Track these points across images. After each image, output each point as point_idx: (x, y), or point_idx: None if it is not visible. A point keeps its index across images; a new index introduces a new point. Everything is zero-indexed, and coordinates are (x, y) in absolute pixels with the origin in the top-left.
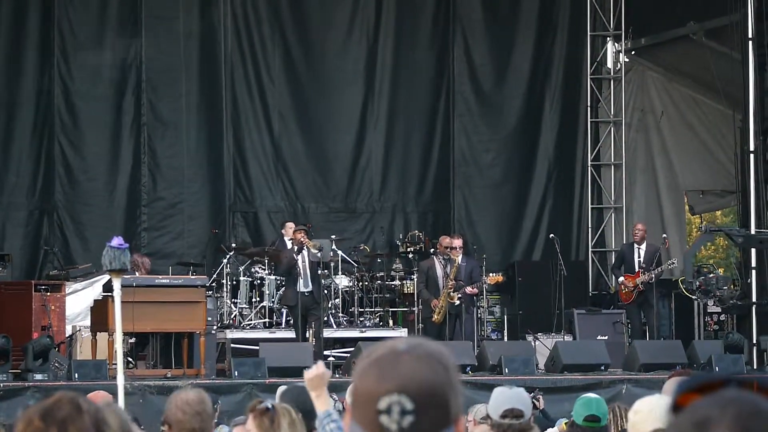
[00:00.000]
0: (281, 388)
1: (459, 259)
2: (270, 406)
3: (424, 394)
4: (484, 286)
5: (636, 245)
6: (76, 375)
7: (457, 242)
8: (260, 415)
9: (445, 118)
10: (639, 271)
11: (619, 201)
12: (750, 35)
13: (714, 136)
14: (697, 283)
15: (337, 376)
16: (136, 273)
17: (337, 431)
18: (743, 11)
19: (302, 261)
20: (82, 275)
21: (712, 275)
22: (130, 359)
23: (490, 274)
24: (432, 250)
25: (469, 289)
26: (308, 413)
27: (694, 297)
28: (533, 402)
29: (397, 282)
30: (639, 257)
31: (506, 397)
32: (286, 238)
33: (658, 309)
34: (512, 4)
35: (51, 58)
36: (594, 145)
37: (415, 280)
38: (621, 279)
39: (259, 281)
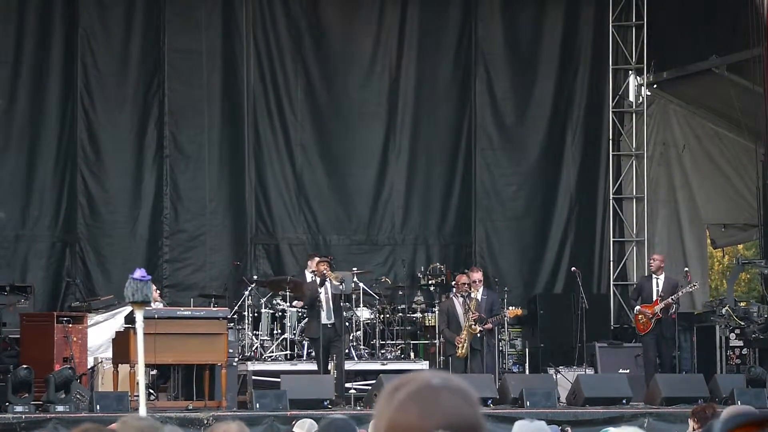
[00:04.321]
0: (300, 422)
1: (480, 291)
2: None
3: (466, 430)
4: (505, 319)
5: (654, 276)
6: (98, 406)
7: (476, 275)
8: None
9: (467, 151)
10: (657, 300)
11: (640, 234)
12: None
13: (736, 170)
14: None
15: (359, 408)
16: None
17: None
18: (765, 45)
19: (325, 293)
20: (104, 307)
21: (744, 304)
22: (151, 391)
23: (510, 308)
24: (453, 288)
25: (485, 326)
26: None
27: (741, 323)
28: None
29: (419, 314)
30: (657, 287)
31: (528, 430)
32: (307, 271)
33: (679, 342)
34: (534, 39)
35: (74, 90)
36: (616, 178)
37: (436, 316)
38: (638, 308)
39: (280, 313)
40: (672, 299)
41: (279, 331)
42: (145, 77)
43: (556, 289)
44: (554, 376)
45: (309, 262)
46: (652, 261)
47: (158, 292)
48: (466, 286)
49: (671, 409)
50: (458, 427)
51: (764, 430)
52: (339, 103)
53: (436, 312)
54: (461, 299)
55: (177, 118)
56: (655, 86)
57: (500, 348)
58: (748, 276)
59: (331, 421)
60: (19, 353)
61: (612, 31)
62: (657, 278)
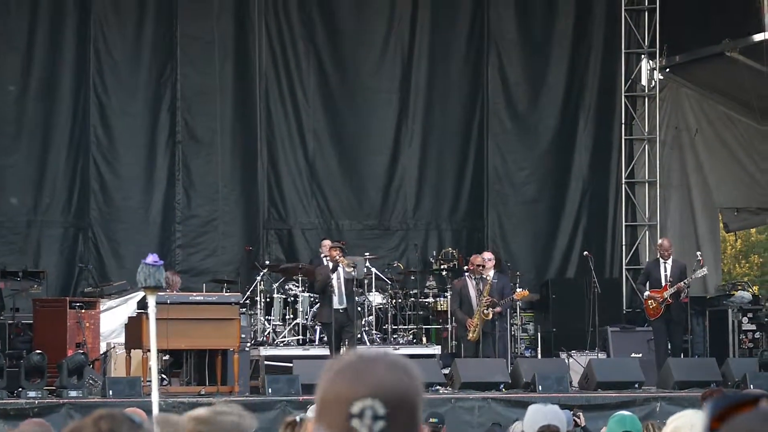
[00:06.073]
0: (313, 406)
1: (491, 274)
2: (299, 418)
3: (396, 400)
4: (515, 302)
5: (662, 261)
6: (111, 392)
7: (487, 254)
8: (286, 426)
9: (480, 136)
10: (666, 285)
11: (653, 218)
12: None
13: (749, 154)
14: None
15: None
16: (167, 291)
17: None
18: None
19: (337, 278)
20: (117, 292)
21: None
22: (164, 376)
23: (518, 289)
24: (465, 269)
25: (495, 310)
26: None
27: None
28: (574, 420)
29: (431, 299)
30: (665, 272)
31: (542, 414)
32: (322, 255)
33: (692, 326)
34: (546, 23)
35: (87, 76)
36: (628, 162)
37: (449, 298)
38: (647, 293)
39: (292, 298)
40: (684, 283)
41: (291, 316)
42: (157, 63)
43: (569, 273)
44: (566, 361)
45: (321, 248)
46: (659, 246)
47: (179, 282)
48: (480, 267)
49: (683, 393)
50: (386, 396)
51: (749, 410)
52: (351, 88)
53: (449, 292)
54: (475, 281)
55: (189, 104)
56: (667, 70)
57: (512, 332)
58: (761, 260)
59: None
60: (32, 338)
61: (624, 15)
62: (665, 263)
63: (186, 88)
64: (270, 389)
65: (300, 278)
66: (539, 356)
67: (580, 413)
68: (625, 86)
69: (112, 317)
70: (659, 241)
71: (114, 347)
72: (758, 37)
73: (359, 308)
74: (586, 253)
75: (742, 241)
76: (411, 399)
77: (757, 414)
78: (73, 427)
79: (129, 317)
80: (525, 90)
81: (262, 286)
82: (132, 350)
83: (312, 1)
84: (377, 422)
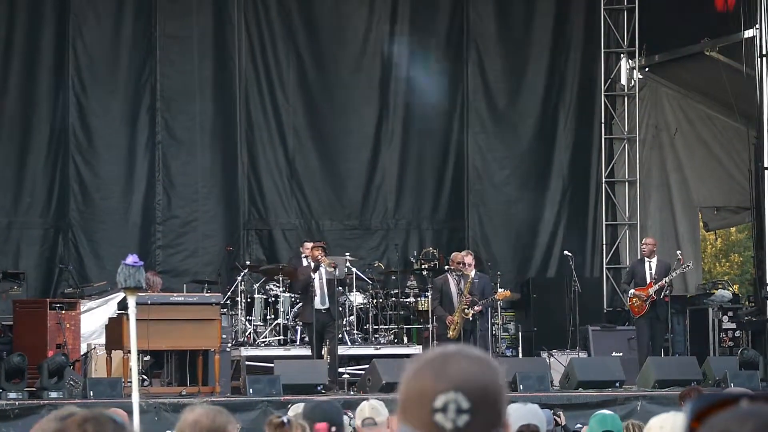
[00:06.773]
0: (295, 406)
1: (472, 274)
2: (286, 420)
3: (479, 394)
4: (496, 302)
5: (646, 259)
6: (91, 393)
7: (468, 258)
8: (275, 428)
9: (460, 135)
10: (651, 282)
11: (633, 218)
12: (763, 51)
13: (728, 153)
14: None
15: (351, 393)
16: (148, 291)
17: None
18: (757, 28)
19: (319, 278)
20: (97, 293)
21: None
22: (144, 377)
23: (499, 290)
24: (446, 267)
25: (475, 308)
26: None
27: None
28: (555, 419)
29: (412, 299)
30: (650, 270)
31: (521, 413)
32: (303, 256)
33: (672, 325)
34: (526, 22)
35: (65, 76)
36: (608, 161)
37: (430, 296)
38: (632, 291)
39: (273, 299)
40: (666, 280)
41: (272, 316)
42: (136, 63)
43: (549, 272)
44: (547, 360)
45: (300, 249)
46: (644, 245)
47: (160, 283)
48: (461, 264)
49: (664, 392)
50: (469, 390)
51: (726, 410)
52: (331, 87)
53: (430, 288)
54: (456, 278)
55: (169, 103)
56: (647, 69)
57: (493, 332)
58: (741, 259)
59: (317, 404)
60: (12, 340)
61: (604, 14)
62: (649, 261)
63: (165, 88)
64: (251, 389)
65: (281, 278)
66: (520, 355)
67: (561, 412)
68: (604, 85)
69: (93, 318)
70: (644, 239)
71: (94, 348)
72: (737, 37)
73: (340, 308)
74: (566, 252)
75: (722, 240)
76: (494, 392)
77: (734, 412)
78: (56, 429)
79: (109, 318)
80: (505, 88)
81: (242, 287)
82: (112, 351)
83: None
84: (461, 416)
